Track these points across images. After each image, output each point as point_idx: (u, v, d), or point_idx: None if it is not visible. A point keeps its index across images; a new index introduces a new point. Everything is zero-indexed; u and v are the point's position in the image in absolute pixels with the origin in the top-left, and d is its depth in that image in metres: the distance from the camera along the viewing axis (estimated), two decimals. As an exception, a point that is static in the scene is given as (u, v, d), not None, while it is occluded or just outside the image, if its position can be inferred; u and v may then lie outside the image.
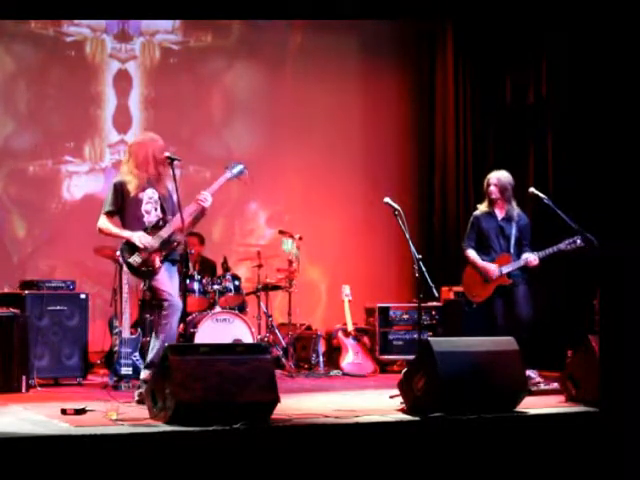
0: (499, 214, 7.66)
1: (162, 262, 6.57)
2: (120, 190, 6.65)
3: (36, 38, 9.79)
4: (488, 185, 7.67)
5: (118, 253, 6.77)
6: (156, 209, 6.68)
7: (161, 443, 4.87)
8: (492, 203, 7.66)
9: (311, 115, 10.70)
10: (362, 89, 11.04)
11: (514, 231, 7.57)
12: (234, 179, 6.78)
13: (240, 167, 6.77)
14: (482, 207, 7.75)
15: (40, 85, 9.82)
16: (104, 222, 6.67)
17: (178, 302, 6.58)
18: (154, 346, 6.55)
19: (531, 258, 7.48)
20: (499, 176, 7.66)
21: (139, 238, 6.55)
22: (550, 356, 8.81)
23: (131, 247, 6.57)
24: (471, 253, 7.69)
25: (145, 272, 6.57)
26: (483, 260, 7.64)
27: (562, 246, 7.45)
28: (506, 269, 7.51)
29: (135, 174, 6.65)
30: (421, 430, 5.49)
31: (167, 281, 6.60)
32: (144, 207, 6.65)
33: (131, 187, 6.63)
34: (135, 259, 6.55)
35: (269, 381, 5.52)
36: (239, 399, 5.36)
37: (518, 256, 7.55)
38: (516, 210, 7.66)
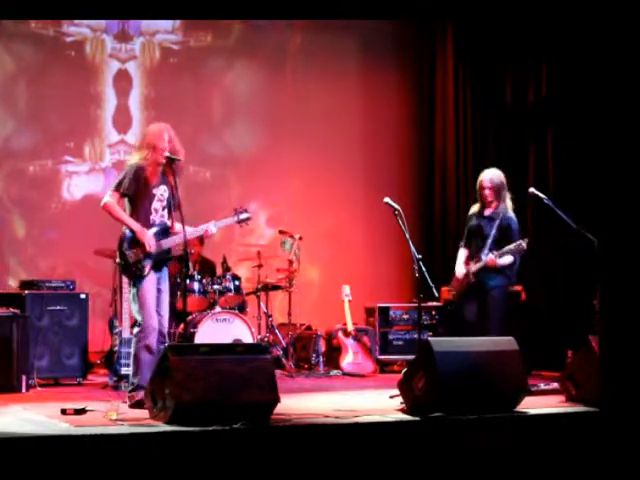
0: (486, 212, 7.47)
1: (150, 270, 6.33)
2: (138, 176, 6.30)
3: (36, 38, 9.80)
4: (482, 188, 7.45)
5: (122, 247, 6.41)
6: (163, 209, 6.42)
7: (161, 443, 4.87)
8: (484, 203, 7.49)
9: (311, 115, 10.71)
10: (362, 89, 11.05)
11: (493, 231, 7.36)
12: (236, 223, 6.93)
13: (246, 215, 6.91)
14: (474, 206, 7.64)
15: (40, 85, 9.82)
16: (113, 201, 6.32)
17: (156, 322, 6.30)
18: (136, 371, 6.24)
19: (488, 258, 7.26)
20: (492, 177, 7.44)
21: (149, 239, 6.30)
22: (550, 356, 8.82)
23: (133, 240, 6.32)
24: (459, 253, 7.60)
25: (133, 272, 6.31)
26: (468, 259, 7.53)
27: (512, 247, 7.23)
28: (473, 268, 7.36)
29: (153, 163, 6.34)
30: (421, 430, 5.49)
31: (152, 295, 6.33)
32: (154, 204, 6.39)
33: (151, 177, 6.32)
34: (132, 255, 6.30)
35: (269, 381, 5.53)
36: (239, 399, 5.37)
37: (498, 257, 7.31)
38: (506, 209, 7.43)
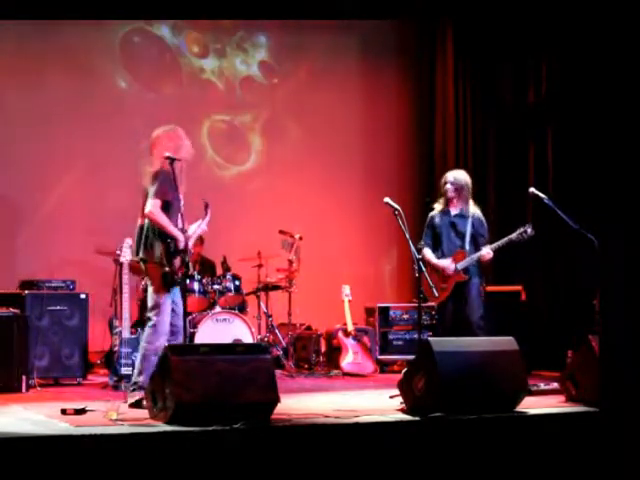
0: (453, 211, 7.55)
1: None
2: (171, 180, 6.21)
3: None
4: (445, 183, 7.57)
5: (153, 253, 6.24)
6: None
7: (161, 443, 4.87)
8: (447, 202, 7.57)
9: (311, 115, 10.70)
10: (362, 89, 11.05)
11: (468, 228, 7.48)
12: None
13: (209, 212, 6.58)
14: (437, 206, 7.68)
15: (40, 85, 9.81)
16: (158, 210, 6.19)
17: (168, 326, 6.29)
18: (141, 371, 6.20)
19: (484, 252, 7.38)
20: (455, 175, 7.60)
21: (190, 246, 6.25)
22: (550, 356, 8.82)
23: (175, 249, 6.23)
24: (426, 252, 7.53)
25: (175, 279, 6.24)
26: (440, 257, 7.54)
27: (513, 236, 7.37)
28: (461, 265, 7.39)
29: (178, 165, 6.26)
30: (421, 430, 5.49)
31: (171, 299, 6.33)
32: (181, 207, 6.31)
33: (176, 180, 6.23)
34: (176, 263, 6.21)
35: (269, 381, 5.53)
36: (239, 399, 5.37)
37: (475, 252, 7.44)
38: (472, 208, 7.56)
